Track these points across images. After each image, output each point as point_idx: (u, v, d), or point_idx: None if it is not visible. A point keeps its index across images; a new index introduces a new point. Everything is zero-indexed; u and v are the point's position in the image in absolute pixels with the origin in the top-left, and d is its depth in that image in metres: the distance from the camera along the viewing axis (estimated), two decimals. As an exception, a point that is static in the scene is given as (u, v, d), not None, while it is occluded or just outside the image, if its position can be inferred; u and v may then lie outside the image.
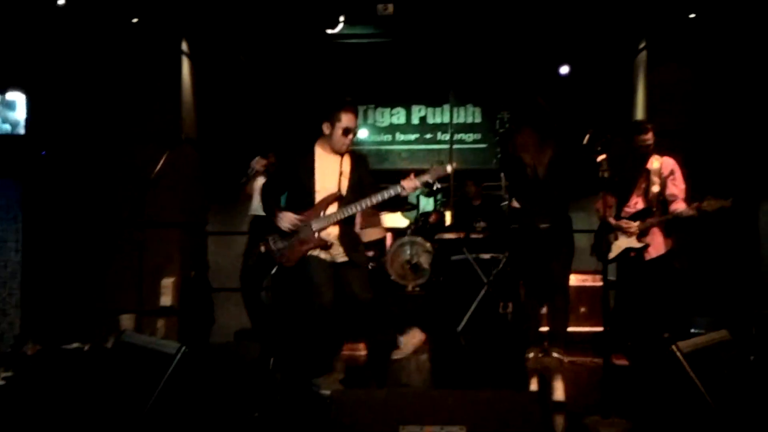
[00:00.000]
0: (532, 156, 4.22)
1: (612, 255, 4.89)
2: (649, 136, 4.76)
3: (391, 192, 4.08)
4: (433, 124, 8.54)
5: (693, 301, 5.42)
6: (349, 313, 4.17)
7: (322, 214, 4.14)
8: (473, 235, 6.74)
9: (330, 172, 4.18)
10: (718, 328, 4.44)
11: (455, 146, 8.11)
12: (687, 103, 6.34)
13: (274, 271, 4.18)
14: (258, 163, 5.17)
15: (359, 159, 4.35)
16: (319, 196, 4.14)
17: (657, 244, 4.84)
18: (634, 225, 4.83)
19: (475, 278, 6.54)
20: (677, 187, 4.85)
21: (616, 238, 4.91)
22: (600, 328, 5.74)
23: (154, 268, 6.01)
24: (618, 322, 4.92)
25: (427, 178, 4.09)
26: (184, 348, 3.49)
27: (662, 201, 4.84)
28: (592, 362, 5.06)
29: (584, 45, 7.06)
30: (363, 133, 8.55)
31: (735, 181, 5.88)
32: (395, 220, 8.52)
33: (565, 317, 4.49)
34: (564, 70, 7.44)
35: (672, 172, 4.87)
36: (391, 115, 8.54)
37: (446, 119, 8.45)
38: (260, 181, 4.99)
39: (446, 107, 8.46)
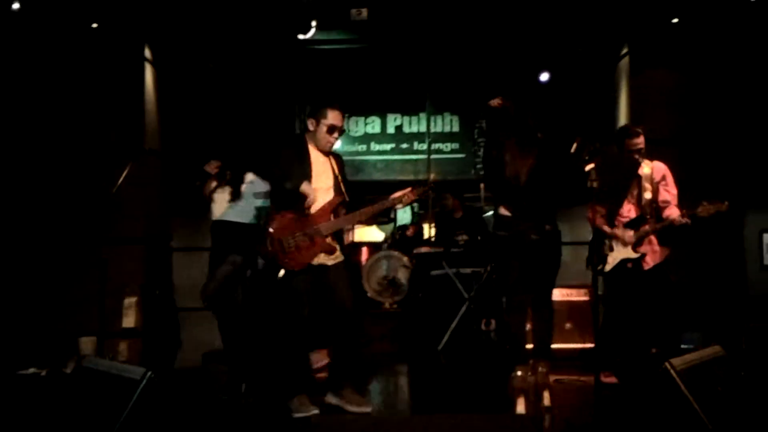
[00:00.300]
0: (514, 163, 4.26)
1: (608, 267, 4.90)
2: (641, 140, 4.80)
3: (387, 204, 4.23)
4: (410, 133, 8.53)
5: (682, 315, 5.45)
6: (330, 319, 4.15)
7: (330, 217, 4.15)
8: (454, 249, 6.73)
9: (323, 171, 4.22)
10: (707, 343, 4.49)
11: (433, 156, 8.13)
12: (671, 110, 6.42)
13: (281, 274, 4.12)
14: (210, 165, 5.10)
15: (341, 162, 4.41)
16: (317, 195, 4.13)
17: (654, 253, 4.88)
18: (630, 233, 4.85)
19: (455, 294, 6.53)
20: (669, 193, 4.90)
21: (611, 249, 4.93)
22: (586, 345, 5.80)
23: (116, 287, 5.91)
24: (607, 337, 4.94)
25: (414, 195, 4.29)
26: (149, 373, 3.42)
27: (656, 207, 4.88)
28: (579, 381, 5.05)
29: (565, 51, 7.13)
30: (336, 144, 8.50)
31: (721, 189, 5.93)
32: (371, 233, 8.50)
33: (551, 331, 4.70)
34: (544, 77, 7.49)
35: (663, 177, 4.92)
36: (366, 124, 8.53)
37: (423, 128, 8.46)
38: (215, 185, 4.92)
39: (423, 116, 8.47)
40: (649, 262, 4.86)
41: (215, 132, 7.14)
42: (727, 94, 6.34)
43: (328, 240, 4.14)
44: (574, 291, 6.10)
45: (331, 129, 4.18)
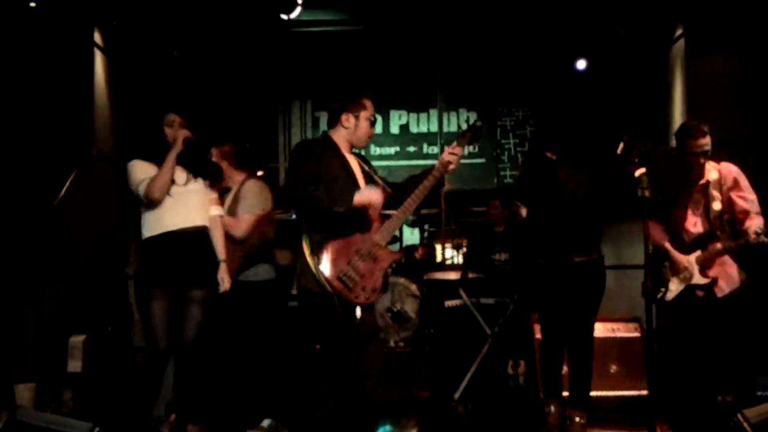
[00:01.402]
0: (567, 173, 4.22)
1: (671, 295, 4.81)
2: (707, 141, 4.72)
3: (436, 175, 4.08)
4: (418, 133, 8.54)
5: (759, 354, 5.36)
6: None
7: (380, 222, 4.10)
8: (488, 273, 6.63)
9: (360, 172, 4.26)
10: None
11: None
12: (736, 102, 6.38)
13: (359, 315, 4.00)
14: None
15: (360, 156, 4.47)
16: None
17: (728, 276, 4.77)
18: (697, 253, 4.76)
19: (476, 329, 6.44)
20: (746, 200, 4.80)
21: (675, 273, 4.84)
22: (636, 392, 5.71)
23: (59, 323, 5.84)
24: (663, 381, 4.84)
25: (464, 141, 4.14)
26: (97, 429, 3.46)
27: (729, 220, 4.79)
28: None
29: (605, 33, 7.12)
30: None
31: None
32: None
33: (589, 374, 4.74)
34: (581, 64, 7.52)
35: (736, 182, 4.82)
36: (364, 122, 8.51)
37: (434, 127, 8.46)
38: None
39: (434, 112, 8.48)
40: (724, 288, 4.76)
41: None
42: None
43: (389, 248, 4.11)
44: (621, 325, 6.01)
45: (373, 121, 4.29)
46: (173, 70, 7.14)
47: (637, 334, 5.90)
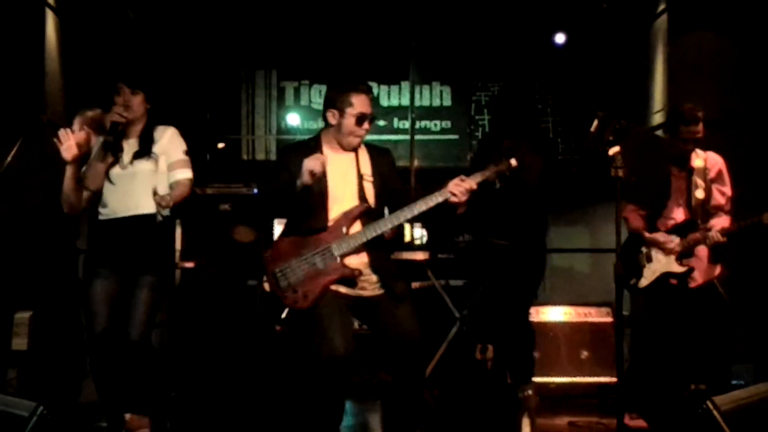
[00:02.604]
0: (521, 161, 4.25)
1: (645, 282, 4.89)
2: (700, 128, 4.80)
3: (437, 198, 3.97)
4: (389, 107, 8.53)
5: (734, 344, 5.45)
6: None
7: (344, 231, 3.97)
8: (442, 255, 6.68)
9: (345, 175, 4.07)
10: (761, 378, 4.48)
11: (417, 137, 8.06)
12: (720, 84, 6.42)
13: (285, 314, 4.02)
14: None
15: (380, 155, 4.24)
16: (334, 207, 4.00)
17: (704, 268, 4.86)
18: (676, 241, 4.83)
19: (444, 312, 6.48)
20: (724, 195, 4.90)
21: (650, 260, 4.92)
22: (608, 379, 5.80)
23: (4, 299, 5.79)
24: (636, 369, 4.93)
25: (482, 176, 4.01)
26: (41, 409, 3.39)
27: (707, 211, 4.87)
28: (598, 424, 5.05)
29: (586, 6, 7.15)
30: (294, 119, 8.47)
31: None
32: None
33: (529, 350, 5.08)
34: (560, 39, 7.52)
35: (720, 174, 4.93)
36: (332, 94, 8.48)
37: (405, 101, 8.44)
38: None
39: (405, 85, 8.46)
40: (698, 278, 4.85)
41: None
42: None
43: (348, 262, 3.96)
44: (593, 310, 6.11)
45: (361, 118, 4.01)
46: (129, 33, 7.06)
47: (609, 320, 5.99)
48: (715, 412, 3.55)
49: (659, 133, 5.59)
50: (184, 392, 5.76)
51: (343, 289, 3.97)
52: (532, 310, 6.09)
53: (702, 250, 4.84)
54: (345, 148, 4.09)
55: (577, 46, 7.58)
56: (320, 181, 3.94)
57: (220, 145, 8.23)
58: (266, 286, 4.05)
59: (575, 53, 7.65)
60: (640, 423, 4.88)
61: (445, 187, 3.97)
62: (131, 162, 4.40)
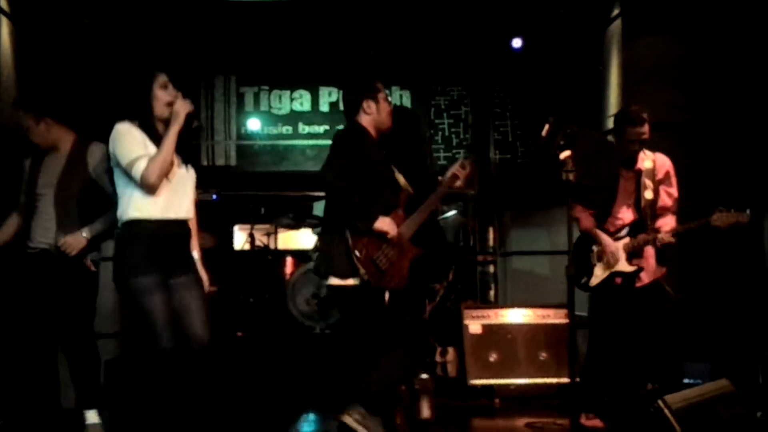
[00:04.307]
0: None
1: (595, 281, 4.95)
2: (645, 129, 4.85)
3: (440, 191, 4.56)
4: (348, 112, 8.50)
5: (685, 342, 5.52)
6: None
7: (402, 215, 4.47)
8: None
9: (386, 163, 4.57)
10: (717, 376, 4.55)
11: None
12: (672, 86, 6.46)
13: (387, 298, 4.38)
14: None
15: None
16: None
17: (651, 268, 4.92)
18: (625, 240, 4.89)
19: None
20: (671, 197, 4.98)
21: (600, 259, 4.98)
22: (566, 380, 5.82)
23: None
24: (591, 370, 4.98)
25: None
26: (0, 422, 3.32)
27: (655, 211, 4.94)
28: (555, 424, 5.09)
29: (543, 11, 7.20)
30: (255, 125, 8.44)
31: (733, 186, 6.04)
32: (297, 238, 8.43)
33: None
34: (517, 43, 7.56)
35: (667, 176, 4.99)
36: (292, 99, 8.47)
37: (365, 106, 8.42)
38: None
39: (365, 90, 8.44)
40: (644, 278, 4.91)
41: (93, 109, 6.98)
42: (741, 69, 6.39)
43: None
44: (552, 312, 6.14)
45: (388, 100, 4.56)
46: (85, 39, 6.99)
47: (567, 321, 6.01)
48: (666, 411, 3.63)
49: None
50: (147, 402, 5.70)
51: None
52: (491, 311, 6.18)
53: (649, 250, 4.91)
54: (381, 130, 4.52)
55: (535, 51, 7.62)
56: (390, 169, 4.48)
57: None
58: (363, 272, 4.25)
59: (533, 58, 7.69)
60: (596, 423, 4.92)
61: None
62: (183, 163, 4.11)
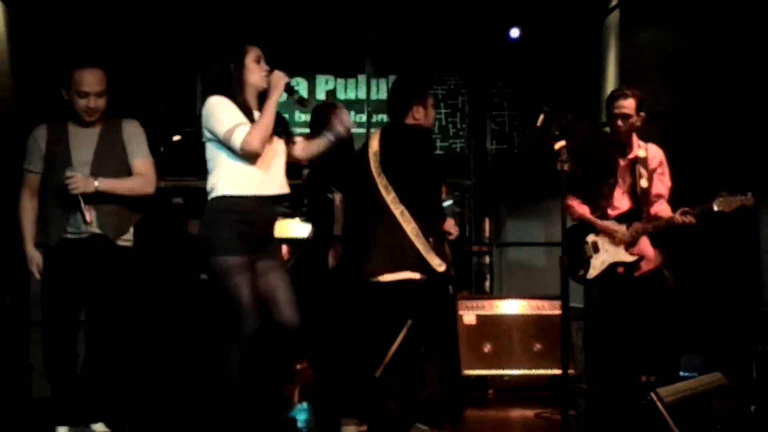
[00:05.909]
0: None
1: (594, 272, 4.91)
2: (627, 103, 4.82)
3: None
4: (345, 100, 8.47)
5: (682, 335, 5.51)
6: None
7: None
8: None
9: None
10: (710, 370, 4.53)
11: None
12: (670, 78, 6.45)
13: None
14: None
15: None
16: None
17: (648, 255, 4.90)
18: (623, 229, 4.86)
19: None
20: (664, 185, 4.95)
21: (596, 250, 4.94)
22: (560, 371, 5.80)
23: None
24: (587, 360, 4.97)
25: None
26: None
27: (649, 199, 4.92)
28: (551, 413, 5.07)
29: (540, 2, 7.23)
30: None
31: (729, 179, 6.01)
32: (292, 227, 8.38)
33: None
34: (514, 33, 7.54)
35: (661, 165, 4.98)
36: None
37: (362, 94, 8.42)
38: None
39: (362, 78, 8.43)
40: (642, 267, 4.89)
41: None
42: (738, 61, 6.41)
43: None
44: (546, 303, 6.15)
45: (434, 106, 4.74)
46: (79, 21, 6.95)
47: (560, 312, 6.01)
48: (658, 404, 3.60)
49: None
50: (137, 388, 5.70)
51: None
52: (485, 302, 6.17)
53: (643, 239, 4.89)
54: None
55: (533, 42, 7.60)
56: None
57: (175, 138, 8.14)
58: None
59: (531, 48, 7.67)
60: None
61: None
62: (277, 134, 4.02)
